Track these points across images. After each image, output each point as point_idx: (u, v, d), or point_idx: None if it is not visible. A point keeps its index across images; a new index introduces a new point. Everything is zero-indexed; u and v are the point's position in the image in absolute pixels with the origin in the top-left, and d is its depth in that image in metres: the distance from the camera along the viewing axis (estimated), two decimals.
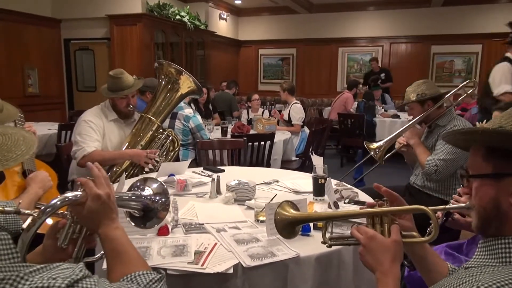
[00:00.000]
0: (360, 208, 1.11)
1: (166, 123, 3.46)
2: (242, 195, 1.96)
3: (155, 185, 1.19)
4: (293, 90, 5.24)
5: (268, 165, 3.90)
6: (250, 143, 3.73)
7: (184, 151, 3.80)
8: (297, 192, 2.13)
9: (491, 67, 3.65)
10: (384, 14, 9.66)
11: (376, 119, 6.53)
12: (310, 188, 2.05)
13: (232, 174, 2.37)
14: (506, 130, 0.84)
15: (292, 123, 5.00)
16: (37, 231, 0.94)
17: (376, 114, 6.67)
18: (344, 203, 1.93)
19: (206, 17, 8.84)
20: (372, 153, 2.70)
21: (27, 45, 6.60)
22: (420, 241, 1.04)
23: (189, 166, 2.57)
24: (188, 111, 3.78)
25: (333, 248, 1.19)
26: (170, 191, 1.71)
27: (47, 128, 4.60)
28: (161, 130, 2.85)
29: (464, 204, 1.03)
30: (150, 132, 2.78)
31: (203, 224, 1.65)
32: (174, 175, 2.27)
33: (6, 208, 1.13)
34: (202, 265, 1.31)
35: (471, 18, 8.91)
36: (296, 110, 5.01)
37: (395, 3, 9.41)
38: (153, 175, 2.37)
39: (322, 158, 2.18)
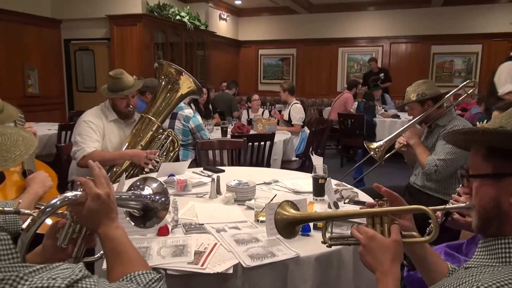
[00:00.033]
0: (360, 208, 1.11)
1: (166, 123, 3.45)
2: (242, 195, 1.96)
3: (154, 185, 1.18)
4: (293, 90, 5.24)
5: (268, 165, 3.90)
6: (250, 143, 3.73)
7: (184, 151, 3.80)
8: (297, 192, 2.12)
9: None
10: (384, 14, 9.66)
11: (376, 119, 6.54)
12: (310, 188, 2.05)
13: (232, 174, 2.37)
14: (506, 130, 0.84)
15: (292, 123, 5.00)
16: (37, 231, 0.94)
17: (376, 114, 6.67)
18: (344, 203, 1.93)
19: (206, 18, 8.84)
20: (372, 153, 2.70)
21: (27, 45, 6.60)
22: (420, 241, 1.04)
23: (189, 166, 2.57)
24: (188, 111, 3.78)
25: (333, 248, 1.19)
26: (170, 191, 1.71)
27: (47, 129, 4.60)
28: (161, 131, 2.85)
29: (465, 204, 1.03)
30: (150, 133, 2.78)
31: (203, 224, 1.65)
32: (174, 175, 2.27)
33: (5, 208, 1.13)
34: (202, 265, 1.31)
35: (471, 18, 8.91)
36: (296, 110, 5.01)
37: (395, 3, 9.41)
38: (153, 175, 2.36)
39: (322, 158, 2.18)
